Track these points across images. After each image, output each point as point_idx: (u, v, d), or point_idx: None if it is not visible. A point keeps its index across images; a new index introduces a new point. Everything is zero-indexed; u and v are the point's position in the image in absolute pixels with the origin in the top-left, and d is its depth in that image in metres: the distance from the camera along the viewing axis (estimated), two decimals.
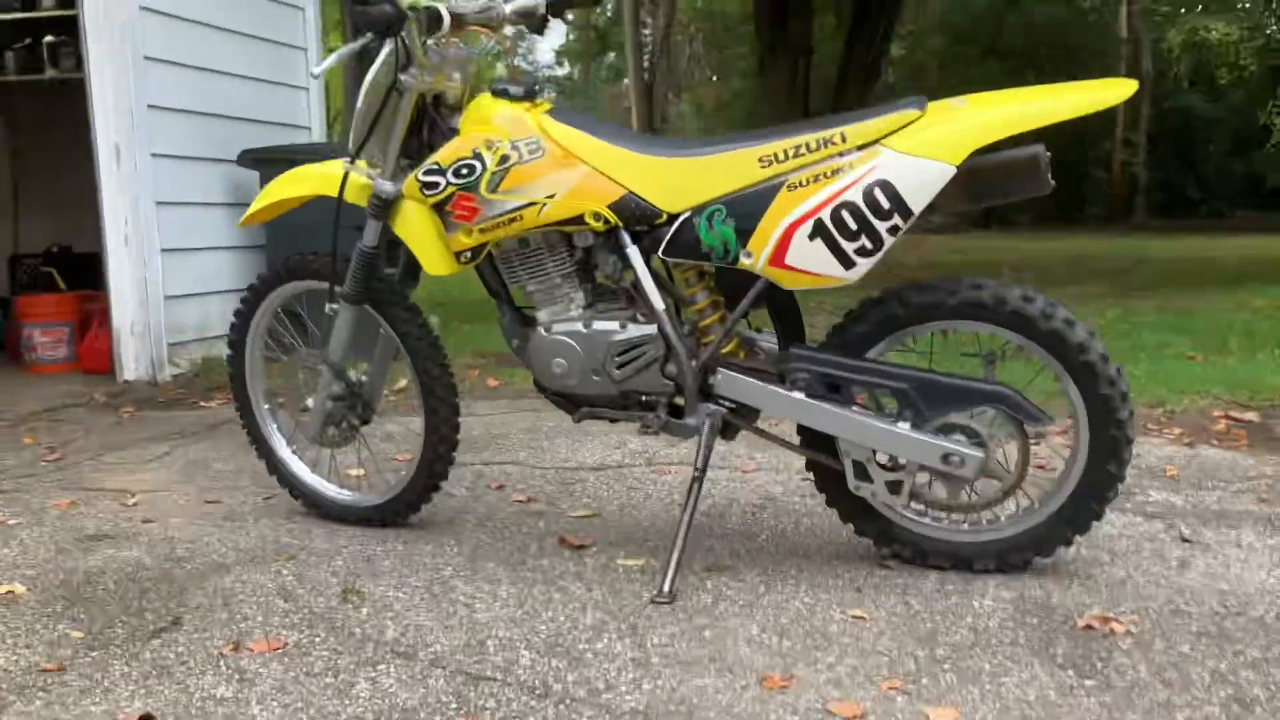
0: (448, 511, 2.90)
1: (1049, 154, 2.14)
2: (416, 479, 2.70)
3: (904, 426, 2.25)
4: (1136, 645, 2.01)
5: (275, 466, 2.90)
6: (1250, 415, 3.93)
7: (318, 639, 2.09)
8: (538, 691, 1.86)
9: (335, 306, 2.63)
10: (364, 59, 2.40)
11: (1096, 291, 8.82)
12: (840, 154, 2.15)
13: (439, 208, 2.40)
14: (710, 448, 2.39)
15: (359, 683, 1.91)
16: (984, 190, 2.19)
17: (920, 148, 2.10)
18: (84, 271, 6.65)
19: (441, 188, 2.37)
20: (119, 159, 5.06)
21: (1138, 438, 2.60)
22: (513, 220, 2.35)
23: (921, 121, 2.13)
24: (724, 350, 2.37)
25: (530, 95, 2.39)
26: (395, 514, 2.75)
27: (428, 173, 2.39)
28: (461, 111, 2.45)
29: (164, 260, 5.32)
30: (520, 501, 3.01)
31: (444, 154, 2.38)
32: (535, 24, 2.58)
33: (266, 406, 2.91)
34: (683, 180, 2.26)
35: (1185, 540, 2.57)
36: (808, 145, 2.16)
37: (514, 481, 3.20)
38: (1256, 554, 2.48)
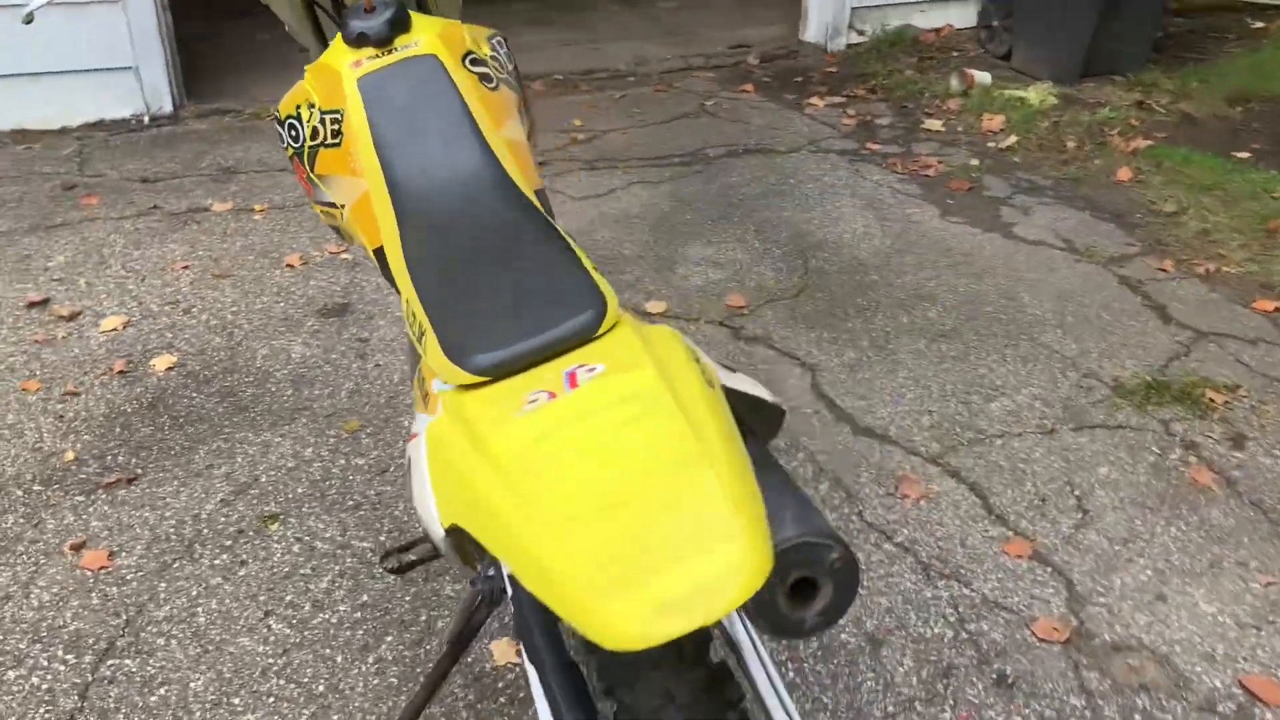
0: None
1: None
2: None
3: None
4: None
5: None
6: None
7: (136, 576, 1.99)
8: None
9: None
10: None
11: None
12: None
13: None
14: None
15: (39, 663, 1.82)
16: None
17: None
18: None
19: (284, 144, 1.66)
20: None
21: None
22: (332, 216, 1.60)
23: None
24: None
25: (382, 37, 1.47)
26: None
27: (277, 119, 1.67)
28: None
29: None
30: None
31: (284, 100, 1.63)
32: None
33: None
34: None
35: None
36: None
37: None
38: None
